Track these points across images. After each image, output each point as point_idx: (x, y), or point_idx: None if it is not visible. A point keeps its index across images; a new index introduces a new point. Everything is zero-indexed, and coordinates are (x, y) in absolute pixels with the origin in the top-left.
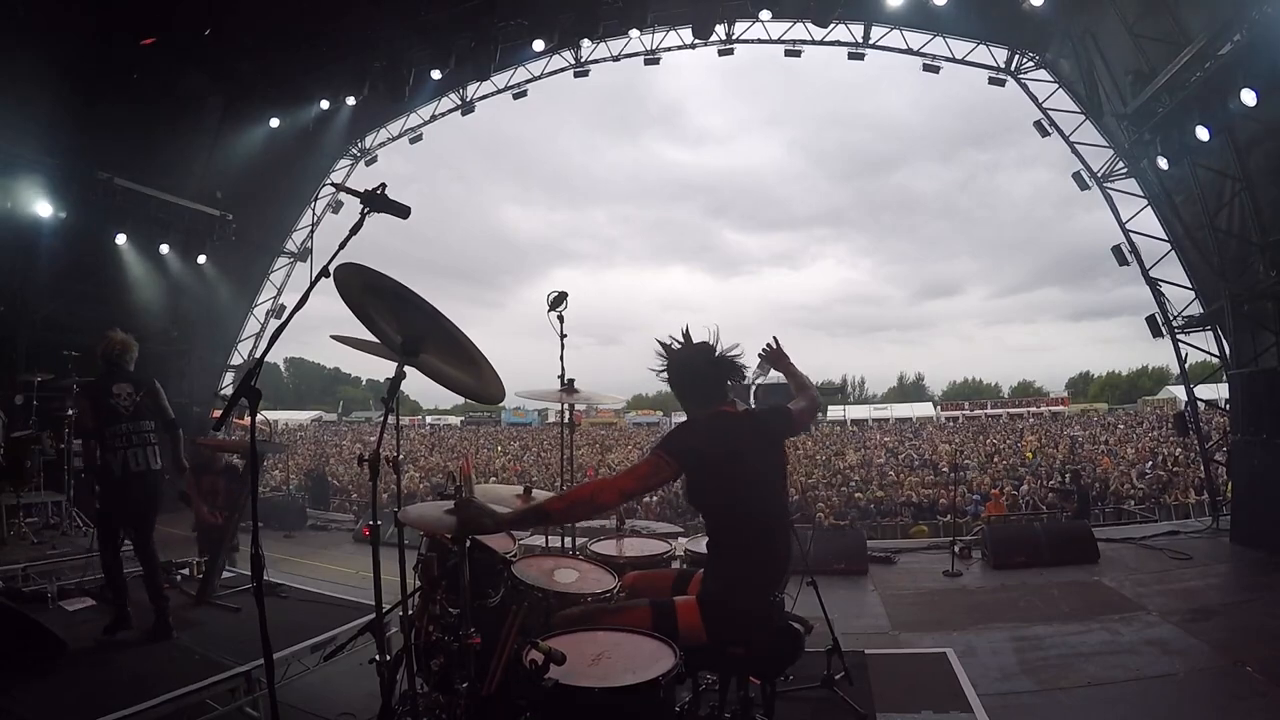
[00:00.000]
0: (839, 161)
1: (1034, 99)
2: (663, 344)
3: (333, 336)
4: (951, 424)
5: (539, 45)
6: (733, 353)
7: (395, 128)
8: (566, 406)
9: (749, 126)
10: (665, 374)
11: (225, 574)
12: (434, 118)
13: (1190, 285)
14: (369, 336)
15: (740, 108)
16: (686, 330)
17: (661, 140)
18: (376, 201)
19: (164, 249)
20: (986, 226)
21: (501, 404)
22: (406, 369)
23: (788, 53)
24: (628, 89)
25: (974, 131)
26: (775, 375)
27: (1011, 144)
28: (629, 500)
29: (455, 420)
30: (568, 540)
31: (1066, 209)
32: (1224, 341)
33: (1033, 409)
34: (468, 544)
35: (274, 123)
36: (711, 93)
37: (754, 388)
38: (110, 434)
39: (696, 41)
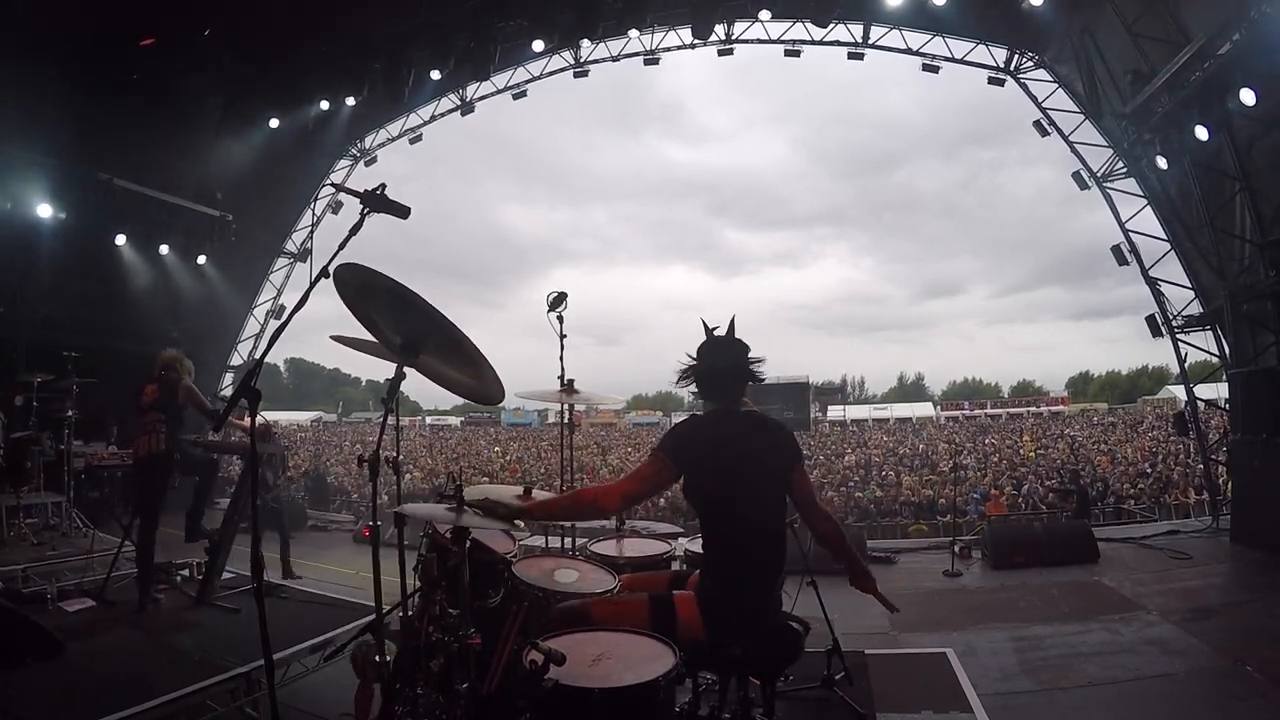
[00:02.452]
0: (841, 160)
1: (1034, 99)
2: (706, 326)
3: (332, 337)
4: (952, 424)
5: (538, 45)
6: (759, 364)
7: (395, 128)
8: (566, 407)
9: (751, 124)
10: (695, 357)
11: (225, 575)
12: (433, 118)
13: (1190, 285)
14: (369, 337)
15: (742, 105)
16: (732, 321)
17: (663, 138)
18: (376, 202)
19: (164, 249)
20: (989, 225)
21: (501, 404)
22: (406, 370)
23: (787, 53)
24: (629, 86)
25: (977, 130)
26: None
27: (1014, 142)
28: (633, 504)
29: (455, 421)
30: (568, 541)
31: (1069, 208)
32: (1224, 341)
33: (1033, 409)
34: (468, 544)
35: (274, 123)
36: (713, 90)
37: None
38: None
39: (696, 41)
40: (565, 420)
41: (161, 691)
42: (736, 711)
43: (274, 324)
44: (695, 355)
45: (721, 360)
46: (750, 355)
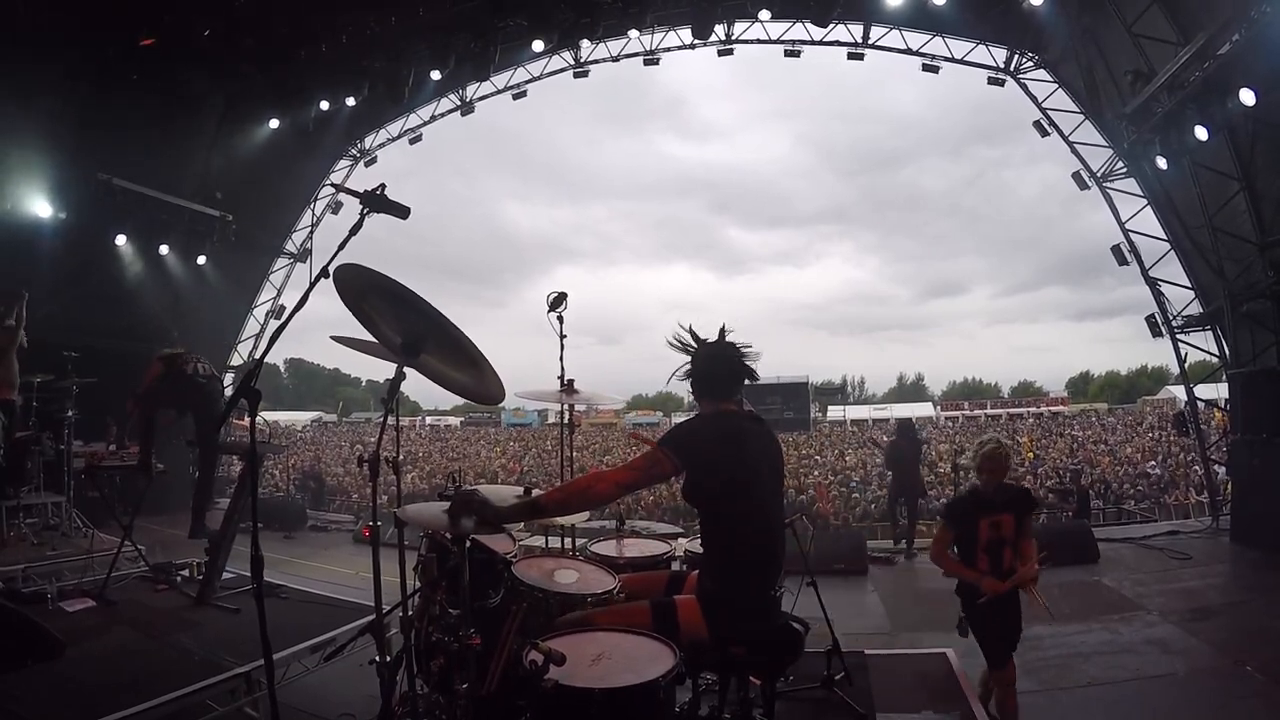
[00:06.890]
0: (845, 157)
1: (1033, 99)
2: (693, 332)
3: (332, 337)
4: (951, 424)
5: (538, 46)
6: (754, 360)
7: (395, 128)
8: (566, 407)
9: (754, 121)
10: (689, 360)
11: (225, 575)
12: (433, 118)
13: (1190, 285)
14: (369, 337)
15: (745, 101)
16: (723, 327)
17: (665, 134)
18: (376, 202)
19: (164, 249)
20: (994, 224)
21: (501, 404)
22: (406, 370)
23: (787, 53)
24: (630, 82)
25: (983, 127)
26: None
27: (1020, 140)
28: (625, 493)
29: (455, 421)
30: (568, 541)
31: (1074, 206)
32: (1223, 341)
33: (1032, 409)
34: (468, 544)
35: (274, 123)
36: (716, 86)
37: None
38: None
39: (696, 42)
40: (565, 420)
41: (162, 691)
42: (736, 711)
43: (274, 324)
44: (695, 355)
45: (714, 360)
46: (744, 353)
